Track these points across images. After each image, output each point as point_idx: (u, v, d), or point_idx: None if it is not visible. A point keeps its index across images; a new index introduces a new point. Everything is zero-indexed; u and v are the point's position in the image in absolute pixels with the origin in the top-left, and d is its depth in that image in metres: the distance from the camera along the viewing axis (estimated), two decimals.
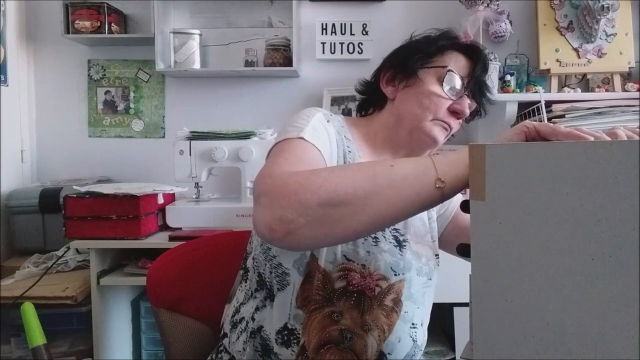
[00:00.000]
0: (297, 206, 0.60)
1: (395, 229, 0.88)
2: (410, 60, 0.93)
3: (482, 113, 0.98)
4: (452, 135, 0.97)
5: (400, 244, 0.87)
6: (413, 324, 0.87)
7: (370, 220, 0.61)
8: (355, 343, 0.80)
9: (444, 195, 0.63)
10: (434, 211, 1.00)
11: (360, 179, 0.62)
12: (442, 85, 0.90)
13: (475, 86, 0.93)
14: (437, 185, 0.62)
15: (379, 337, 0.82)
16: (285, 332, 0.81)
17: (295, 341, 0.80)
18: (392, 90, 0.95)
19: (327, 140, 0.83)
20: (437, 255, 0.96)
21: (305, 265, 0.81)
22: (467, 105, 0.91)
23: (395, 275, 0.84)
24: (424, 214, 0.97)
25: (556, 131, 0.65)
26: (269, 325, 0.83)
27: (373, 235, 0.83)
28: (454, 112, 0.90)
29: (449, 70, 0.90)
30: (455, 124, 0.93)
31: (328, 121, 0.87)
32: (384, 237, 0.85)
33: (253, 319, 0.85)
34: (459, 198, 1.04)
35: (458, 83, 0.90)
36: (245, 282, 0.92)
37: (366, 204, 0.61)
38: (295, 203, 0.60)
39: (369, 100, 1.01)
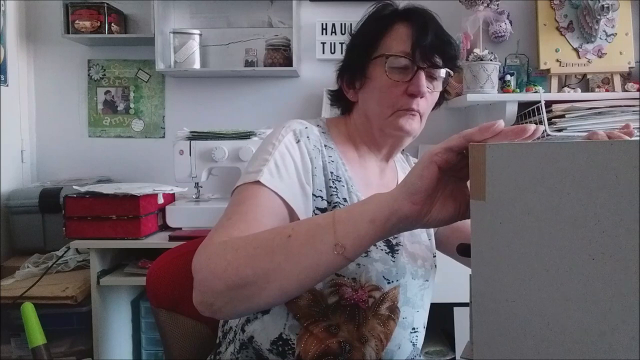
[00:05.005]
0: (210, 292, 0.63)
1: None
2: (353, 59, 0.89)
3: (451, 73, 0.88)
4: (438, 106, 0.92)
5: (392, 249, 0.84)
6: (413, 328, 0.85)
7: (276, 294, 0.62)
8: (354, 355, 0.79)
9: (347, 259, 0.60)
10: None
11: (259, 257, 0.61)
12: (387, 74, 0.83)
13: (426, 51, 0.82)
14: (337, 252, 0.59)
15: (376, 347, 0.80)
16: (280, 343, 0.79)
17: (290, 352, 0.79)
18: (353, 93, 0.91)
19: (293, 169, 0.78)
20: (434, 255, 0.94)
21: None
22: (422, 82, 0.82)
23: (389, 283, 0.82)
24: None
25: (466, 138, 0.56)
26: (260, 335, 0.81)
27: None
28: (411, 95, 0.82)
29: (388, 56, 0.83)
30: (423, 105, 0.84)
31: (298, 141, 0.82)
32: (375, 245, 0.81)
33: (243, 330, 0.84)
34: None
35: (402, 63, 0.82)
36: None
37: (268, 281, 0.60)
38: (208, 289, 0.63)
39: (341, 106, 0.97)
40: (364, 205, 0.61)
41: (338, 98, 0.96)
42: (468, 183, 0.57)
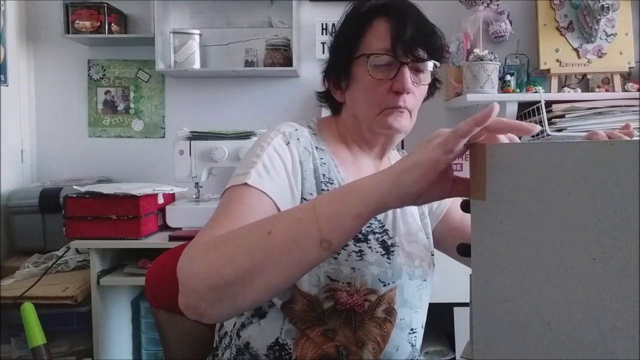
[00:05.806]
0: (194, 294, 0.62)
1: (384, 230, 0.85)
2: (337, 60, 0.87)
3: (438, 64, 0.85)
4: (430, 97, 0.90)
5: (388, 250, 0.83)
6: (412, 329, 0.85)
7: (261, 291, 0.61)
8: (351, 359, 0.79)
9: (333, 252, 0.60)
10: (425, 207, 0.96)
11: (239, 256, 0.60)
12: (370, 73, 0.81)
13: (408, 45, 0.79)
14: (323, 247, 0.59)
15: (374, 350, 0.80)
16: (277, 348, 0.79)
17: (287, 357, 0.79)
18: (340, 94, 0.89)
19: (283, 170, 0.78)
20: (432, 253, 0.93)
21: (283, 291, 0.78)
22: (406, 78, 0.79)
23: (385, 285, 0.81)
24: (414, 210, 0.93)
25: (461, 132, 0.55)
26: (256, 341, 0.81)
27: (357, 249, 0.80)
28: (397, 92, 0.80)
29: (369, 55, 0.80)
30: (410, 100, 0.82)
31: (287, 143, 0.81)
32: (370, 247, 0.81)
33: (239, 335, 0.83)
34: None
35: (385, 60, 0.80)
36: None
37: (253, 279, 0.59)
38: (191, 292, 0.62)
39: (330, 107, 0.95)
40: (348, 198, 0.59)
41: (327, 99, 0.95)
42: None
